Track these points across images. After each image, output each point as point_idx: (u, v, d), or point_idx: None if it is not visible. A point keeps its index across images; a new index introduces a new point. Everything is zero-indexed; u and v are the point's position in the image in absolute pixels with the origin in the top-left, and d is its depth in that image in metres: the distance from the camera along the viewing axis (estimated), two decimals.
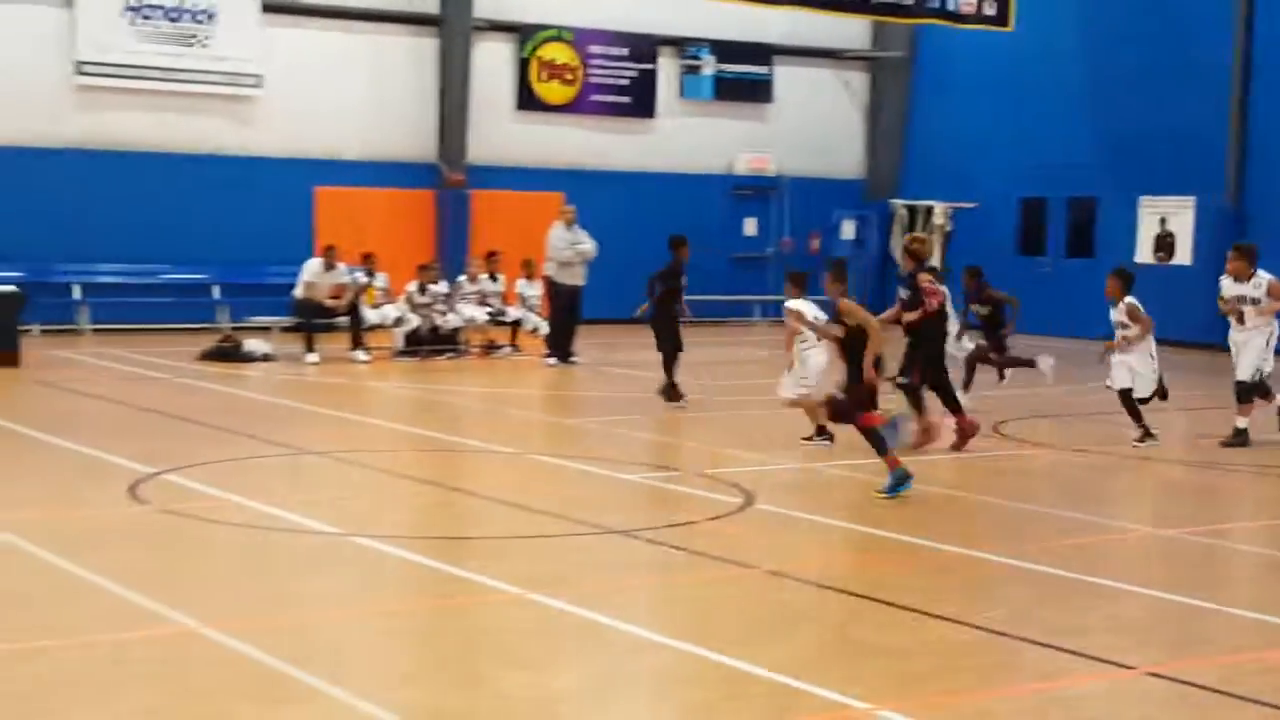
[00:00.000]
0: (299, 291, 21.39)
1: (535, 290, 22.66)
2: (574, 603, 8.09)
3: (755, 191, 30.76)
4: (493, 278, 23.02)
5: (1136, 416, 14.37)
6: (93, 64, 24.87)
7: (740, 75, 30.44)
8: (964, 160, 30.05)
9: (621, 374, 19.93)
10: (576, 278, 21.39)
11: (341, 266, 21.59)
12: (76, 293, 24.81)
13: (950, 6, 25.88)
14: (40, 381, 17.89)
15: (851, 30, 30.95)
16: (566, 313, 21.35)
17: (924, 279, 13.92)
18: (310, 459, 13.04)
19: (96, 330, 24.36)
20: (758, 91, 30.72)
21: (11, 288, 19.96)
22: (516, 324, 22.66)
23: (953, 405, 14.14)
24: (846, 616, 8.24)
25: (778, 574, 9.00)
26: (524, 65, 28.52)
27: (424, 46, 27.62)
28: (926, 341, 13.97)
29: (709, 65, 30.17)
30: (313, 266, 21.57)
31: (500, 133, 28.28)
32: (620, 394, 17.81)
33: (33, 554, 8.98)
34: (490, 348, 22.46)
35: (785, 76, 30.95)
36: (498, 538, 9.98)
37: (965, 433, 13.92)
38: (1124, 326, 14.39)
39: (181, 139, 25.70)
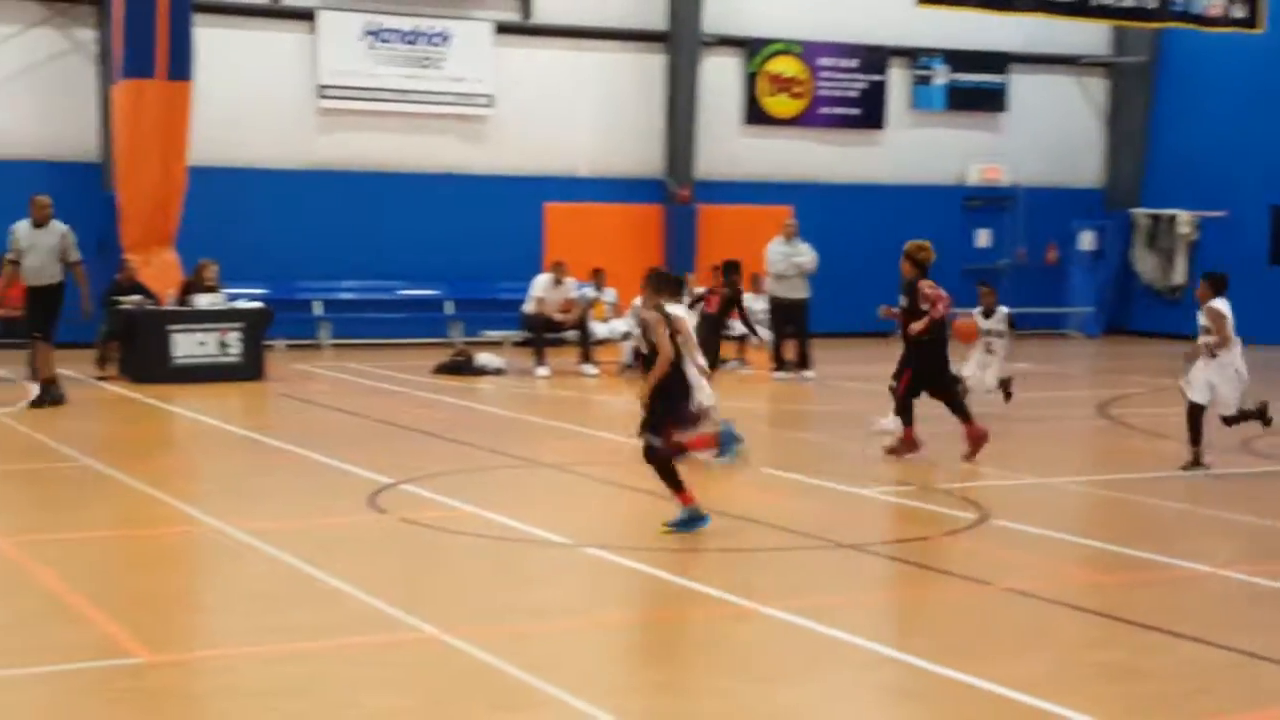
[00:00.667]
0: (529, 306, 21.71)
1: (761, 304, 22.63)
2: (805, 616, 7.99)
3: (988, 202, 30.18)
4: None
5: (1195, 438, 12.95)
6: (333, 87, 25.69)
7: (973, 84, 29.93)
8: (1211, 167, 29.01)
9: (852, 387, 19.72)
10: (795, 290, 21.25)
11: (570, 281, 21.85)
12: (318, 309, 25.62)
13: (1196, 9, 24.99)
14: (285, 394, 18.48)
15: (1091, 36, 30.17)
16: (788, 326, 21.26)
17: (925, 285, 13.57)
18: (542, 470, 13.18)
19: (336, 345, 25.11)
20: (991, 100, 30.16)
21: (259, 304, 20.68)
22: (743, 338, 22.61)
23: (962, 413, 13.70)
24: (1086, 635, 7.98)
25: (1014, 590, 8.77)
26: (752, 79, 28.51)
27: (652, 63, 27.82)
28: (928, 350, 13.64)
29: (941, 75, 29.74)
30: (542, 282, 21.88)
31: (727, 147, 28.30)
32: (850, 408, 17.59)
33: (280, 559, 9.24)
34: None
35: (1021, 84, 30.32)
36: (727, 550, 9.94)
37: (976, 440, 13.51)
38: (1206, 332, 13.03)
39: (416, 159, 26.35)
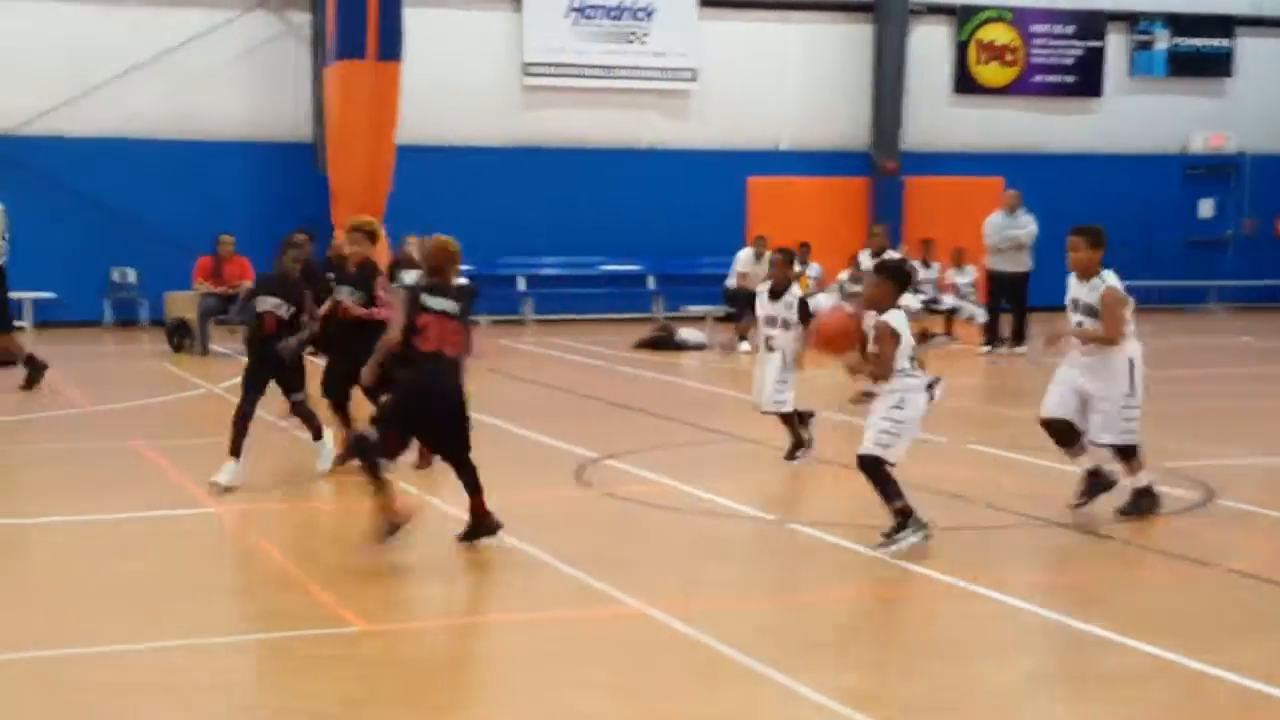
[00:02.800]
0: (731, 281, 21.59)
1: (967, 278, 22.21)
2: (1017, 595, 7.74)
3: (1211, 171, 29.08)
4: (926, 265, 22.63)
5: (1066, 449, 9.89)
6: (539, 65, 25.87)
7: (1197, 49, 28.86)
8: None
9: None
10: (1014, 264, 20.75)
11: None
12: (521, 285, 25.85)
13: None
14: (490, 369, 18.62)
15: None
16: (1005, 300, 20.78)
17: (382, 284, 11.45)
18: (744, 446, 13.03)
19: (538, 321, 25.30)
20: (1216, 65, 29.07)
21: (464, 281, 20.83)
22: (952, 312, 22.19)
23: (346, 418, 11.43)
24: None
25: (1241, 573, 8.36)
26: (962, 48, 27.90)
27: (859, 33, 27.42)
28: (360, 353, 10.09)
29: (1162, 40, 28.73)
30: (744, 256, 21.75)
31: (936, 118, 27.77)
32: None
33: None
34: (924, 336, 22.04)
35: (1249, 48, 29.15)
36: (938, 528, 9.66)
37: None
38: (1089, 313, 9.64)
39: (619, 134, 26.38)
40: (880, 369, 8.62)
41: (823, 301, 21.78)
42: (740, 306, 21.28)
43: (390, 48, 22.52)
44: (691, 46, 26.51)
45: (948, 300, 22.28)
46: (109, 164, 23.52)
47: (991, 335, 20.74)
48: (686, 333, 21.33)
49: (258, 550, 8.88)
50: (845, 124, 27.45)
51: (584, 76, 26.10)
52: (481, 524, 8.82)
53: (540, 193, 25.65)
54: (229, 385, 16.47)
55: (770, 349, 11.83)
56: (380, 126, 22.69)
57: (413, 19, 23.32)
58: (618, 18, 26.15)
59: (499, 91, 25.82)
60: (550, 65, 25.90)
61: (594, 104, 26.27)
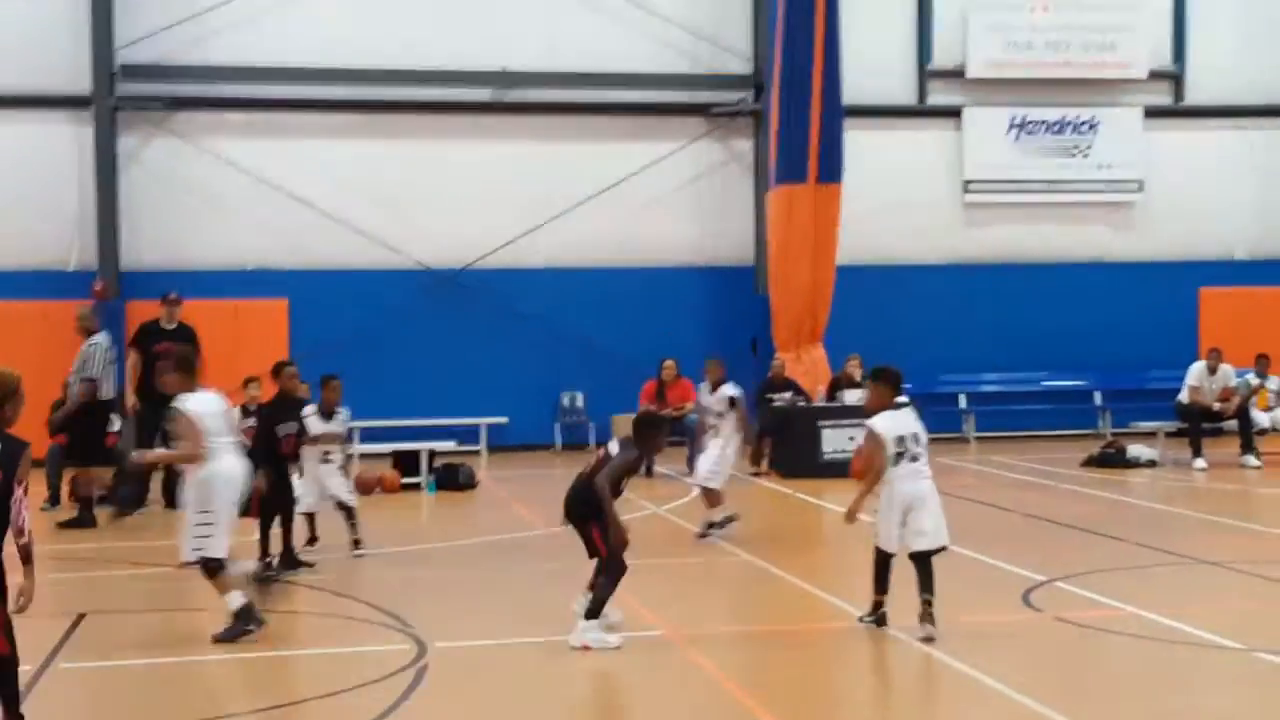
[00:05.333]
0: (1183, 396, 20.77)
1: None
2: None
3: None
4: None
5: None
6: (979, 182, 25.79)
7: None
8: None
9: None
10: None
11: (1227, 368, 20.75)
12: (962, 402, 25.57)
13: None
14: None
15: None
16: None
17: None
18: (1204, 569, 12.44)
19: (979, 438, 24.93)
20: None
21: (903, 399, 20.75)
22: None
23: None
24: None
25: None
26: None
27: None
28: None
29: None
30: (1197, 370, 20.89)
31: None
32: None
33: (933, 655, 9.17)
34: None
35: None
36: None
37: None
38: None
39: (1061, 248, 25.94)
40: (872, 473, 10.24)
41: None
42: (1193, 421, 20.45)
43: (831, 170, 22.94)
44: (1138, 157, 25.88)
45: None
46: (561, 292, 24.62)
47: None
48: (1136, 449, 20.61)
49: (706, 671, 8.94)
50: None
51: (1026, 191, 25.87)
52: None
53: (981, 309, 25.44)
54: (673, 507, 16.91)
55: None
56: (821, 247, 23.07)
57: (853, 141, 23.68)
58: (1059, 132, 25.83)
59: (939, 209, 25.83)
60: (991, 181, 25.79)
61: (1036, 219, 25.95)
